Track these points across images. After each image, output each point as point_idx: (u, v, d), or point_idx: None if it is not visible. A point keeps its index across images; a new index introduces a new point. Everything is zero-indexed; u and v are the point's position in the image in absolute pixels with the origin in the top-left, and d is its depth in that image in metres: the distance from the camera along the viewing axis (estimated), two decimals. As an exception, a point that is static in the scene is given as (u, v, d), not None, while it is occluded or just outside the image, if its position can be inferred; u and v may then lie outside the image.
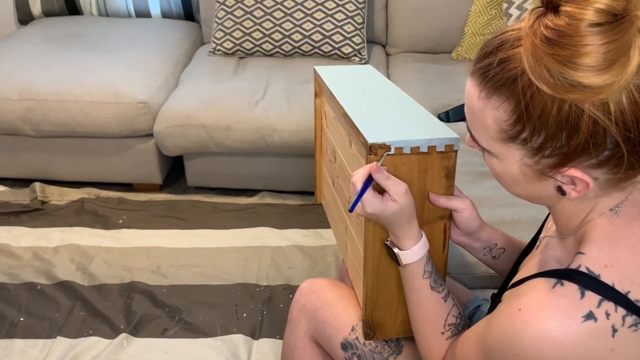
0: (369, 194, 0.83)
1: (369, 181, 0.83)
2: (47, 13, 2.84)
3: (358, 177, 0.83)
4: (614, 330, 0.61)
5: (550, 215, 0.86)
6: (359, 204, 0.84)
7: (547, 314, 0.62)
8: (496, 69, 0.63)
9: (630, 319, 0.62)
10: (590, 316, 0.61)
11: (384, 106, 1.03)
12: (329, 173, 1.31)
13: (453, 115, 1.97)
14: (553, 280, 0.65)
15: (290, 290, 1.84)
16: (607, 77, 0.56)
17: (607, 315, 0.61)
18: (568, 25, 0.57)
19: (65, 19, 2.77)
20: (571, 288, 0.63)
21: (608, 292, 0.62)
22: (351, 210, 0.84)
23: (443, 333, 0.88)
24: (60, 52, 2.35)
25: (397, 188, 0.83)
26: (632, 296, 0.62)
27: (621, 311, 0.62)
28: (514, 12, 2.30)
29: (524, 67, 0.60)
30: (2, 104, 2.12)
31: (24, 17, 2.85)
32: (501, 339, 0.66)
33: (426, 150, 0.86)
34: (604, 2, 0.57)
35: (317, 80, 1.31)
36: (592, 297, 0.62)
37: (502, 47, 0.63)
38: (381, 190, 0.85)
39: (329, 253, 2.00)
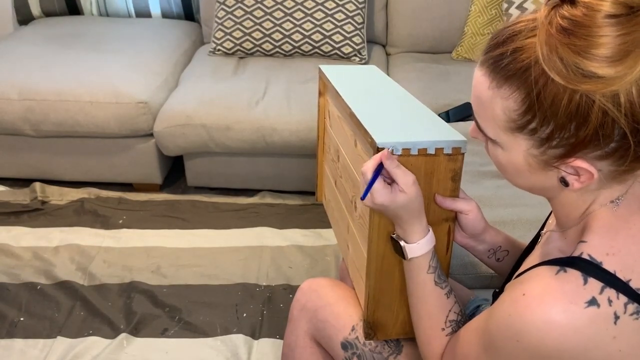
0: (379, 184, 0.83)
1: (379, 170, 0.83)
2: (47, 13, 2.83)
3: (368, 166, 0.83)
4: (616, 317, 0.62)
5: (551, 214, 0.86)
6: (369, 194, 0.84)
7: (551, 299, 0.63)
8: (509, 59, 0.63)
9: (632, 307, 0.62)
10: (593, 302, 0.62)
11: (391, 107, 1.03)
12: (331, 172, 1.31)
13: (453, 115, 1.97)
14: (556, 268, 0.65)
15: (290, 290, 1.84)
16: (621, 68, 0.57)
17: (610, 301, 0.62)
18: (585, 16, 0.58)
19: (66, 19, 2.77)
20: (574, 274, 0.64)
21: (610, 280, 0.62)
22: (363, 198, 0.84)
23: (444, 329, 0.88)
24: (60, 52, 2.35)
25: (405, 178, 0.82)
26: (634, 284, 0.63)
27: (623, 298, 0.62)
28: (514, 12, 2.30)
29: (537, 57, 0.61)
30: (2, 104, 2.12)
31: (24, 17, 2.85)
32: (504, 324, 0.67)
33: (433, 152, 0.86)
34: None
35: (322, 79, 1.31)
36: (594, 284, 0.62)
37: (515, 37, 0.64)
38: (391, 182, 0.85)
39: (329, 253, 2.00)
